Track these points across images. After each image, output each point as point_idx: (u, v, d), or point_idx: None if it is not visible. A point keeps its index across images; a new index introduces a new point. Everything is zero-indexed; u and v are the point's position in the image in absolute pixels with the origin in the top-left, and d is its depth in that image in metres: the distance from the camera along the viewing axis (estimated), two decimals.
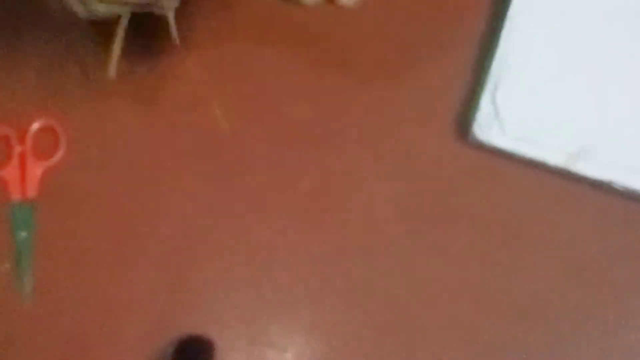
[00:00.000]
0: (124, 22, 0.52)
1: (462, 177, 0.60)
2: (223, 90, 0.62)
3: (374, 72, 0.62)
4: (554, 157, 0.57)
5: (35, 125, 0.61)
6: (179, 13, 0.54)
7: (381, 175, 0.60)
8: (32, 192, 0.60)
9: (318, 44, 0.62)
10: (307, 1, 0.51)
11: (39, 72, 0.62)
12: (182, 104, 0.61)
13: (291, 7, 0.55)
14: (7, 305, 0.58)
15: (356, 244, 0.59)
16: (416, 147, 0.60)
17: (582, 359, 0.56)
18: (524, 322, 0.57)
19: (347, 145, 0.61)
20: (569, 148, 0.57)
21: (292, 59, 0.62)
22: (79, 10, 0.51)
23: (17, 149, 0.61)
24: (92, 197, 0.60)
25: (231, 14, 0.63)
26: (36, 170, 0.60)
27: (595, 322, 0.56)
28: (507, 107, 0.58)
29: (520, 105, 0.58)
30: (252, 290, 0.58)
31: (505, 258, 0.58)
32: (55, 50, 0.63)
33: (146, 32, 0.61)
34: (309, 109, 0.61)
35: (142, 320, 0.58)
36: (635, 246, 0.57)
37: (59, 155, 0.61)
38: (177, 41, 0.54)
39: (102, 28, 0.61)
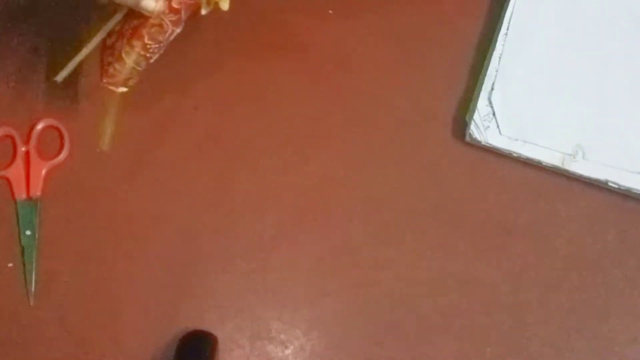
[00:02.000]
0: (117, 99, 0.53)
1: (459, 176, 0.60)
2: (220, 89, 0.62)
3: (372, 72, 0.62)
4: (549, 156, 0.58)
5: (39, 125, 0.61)
6: None
7: (380, 175, 0.60)
8: (36, 191, 0.60)
9: (315, 46, 0.63)
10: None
11: (42, 73, 0.63)
12: (185, 103, 0.62)
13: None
14: (12, 303, 0.58)
15: (355, 240, 0.59)
16: (414, 146, 0.61)
17: (576, 355, 0.56)
18: (518, 317, 0.57)
19: (348, 144, 0.61)
20: (564, 148, 0.58)
21: (288, 61, 0.63)
22: None
23: (22, 148, 0.61)
24: (96, 196, 0.60)
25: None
26: (40, 169, 0.60)
27: (589, 318, 0.57)
28: (503, 108, 0.58)
29: (516, 106, 0.59)
30: (254, 287, 0.59)
31: (500, 255, 0.58)
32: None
33: None
34: (306, 108, 0.62)
35: (146, 316, 0.58)
36: (630, 243, 0.58)
37: (63, 154, 0.61)
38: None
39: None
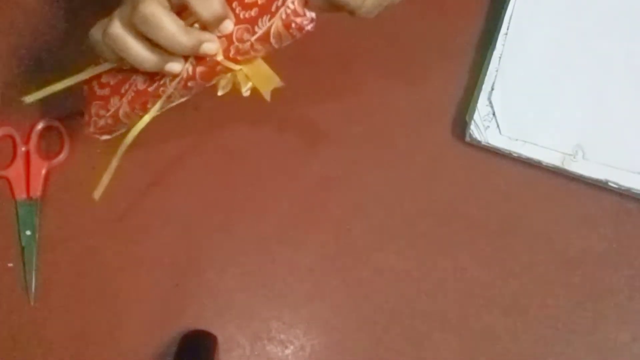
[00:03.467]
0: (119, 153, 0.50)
1: (459, 176, 0.60)
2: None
3: (372, 72, 0.62)
4: (549, 156, 0.58)
5: (39, 125, 0.61)
6: None
7: (380, 175, 0.60)
8: (36, 191, 0.60)
9: (314, 46, 0.62)
10: None
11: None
12: (185, 103, 0.62)
13: None
14: (12, 304, 0.58)
15: (355, 240, 0.59)
16: (415, 146, 0.61)
17: (576, 355, 0.56)
18: (516, 316, 0.57)
19: (348, 144, 0.61)
20: (564, 148, 0.57)
21: (287, 61, 0.62)
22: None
23: (22, 148, 0.61)
24: None
25: None
26: (40, 169, 0.60)
27: (589, 318, 0.57)
28: (503, 108, 0.58)
29: (516, 106, 0.59)
30: (254, 287, 0.59)
31: (500, 254, 0.58)
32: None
33: None
34: (306, 109, 0.62)
35: (146, 316, 0.58)
36: (630, 244, 0.58)
37: (63, 154, 0.61)
38: None
39: None
